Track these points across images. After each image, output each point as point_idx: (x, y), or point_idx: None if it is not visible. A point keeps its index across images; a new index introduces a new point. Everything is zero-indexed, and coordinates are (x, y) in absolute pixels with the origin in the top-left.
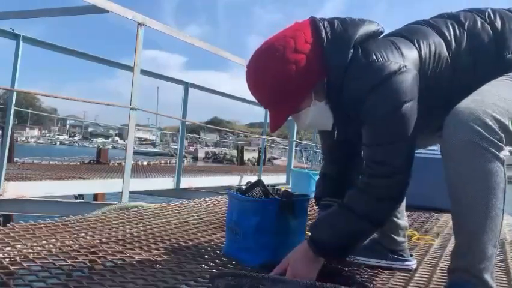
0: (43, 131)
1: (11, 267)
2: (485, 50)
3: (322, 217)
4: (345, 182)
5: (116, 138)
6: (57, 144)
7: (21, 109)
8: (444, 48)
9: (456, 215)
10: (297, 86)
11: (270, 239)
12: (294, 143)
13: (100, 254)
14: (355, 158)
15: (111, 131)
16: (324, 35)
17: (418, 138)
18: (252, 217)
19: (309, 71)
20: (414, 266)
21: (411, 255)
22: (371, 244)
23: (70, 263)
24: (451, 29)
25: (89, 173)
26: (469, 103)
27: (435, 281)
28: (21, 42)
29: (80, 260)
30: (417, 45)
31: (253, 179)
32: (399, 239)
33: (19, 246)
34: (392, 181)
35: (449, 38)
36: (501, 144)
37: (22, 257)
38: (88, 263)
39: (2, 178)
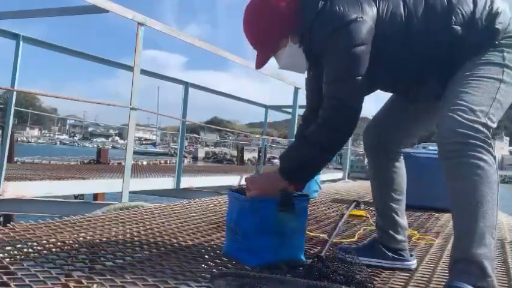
0: (43, 131)
1: (11, 267)
2: (438, 19)
3: (289, 147)
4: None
5: (116, 138)
6: (58, 144)
7: (21, 109)
8: (401, 8)
9: (455, 208)
10: (276, 30)
11: (270, 239)
12: None
13: (100, 254)
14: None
15: (111, 131)
16: None
17: (410, 133)
18: (252, 217)
19: (287, 17)
20: (414, 266)
21: (412, 255)
22: (372, 244)
23: (69, 263)
24: None
25: (89, 173)
26: (454, 109)
27: (435, 281)
28: (21, 42)
29: (80, 260)
30: (377, 3)
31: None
32: (399, 237)
33: (19, 246)
34: (341, 114)
35: (407, 0)
36: (489, 141)
37: (22, 256)
38: (88, 263)
39: (2, 178)
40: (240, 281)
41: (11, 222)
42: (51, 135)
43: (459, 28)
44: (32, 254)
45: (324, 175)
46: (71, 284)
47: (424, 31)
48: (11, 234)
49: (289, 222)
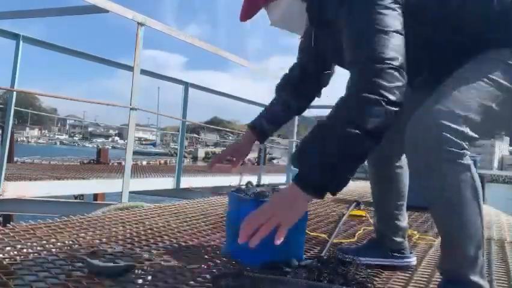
0: (43, 131)
1: (11, 267)
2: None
3: (303, 141)
4: (307, 84)
5: (116, 138)
6: (58, 144)
7: (21, 109)
8: None
9: (435, 221)
10: None
11: (270, 239)
12: (294, 143)
13: (100, 254)
14: (322, 75)
15: (111, 131)
16: None
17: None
18: None
19: None
20: (414, 263)
21: (411, 253)
22: (371, 244)
23: (69, 263)
24: None
25: (89, 173)
26: (431, 104)
27: (435, 281)
28: (21, 42)
29: (80, 260)
30: None
31: (253, 179)
32: (399, 239)
33: (19, 246)
34: (374, 72)
35: None
36: (465, 142)
37: (22, 257)
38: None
39: (2, 178)
40: (240, 281)
41: (11, 222)
42: (51, 135)
43: (494, 12)
44: (31, 254)
45: None
46: (71, 284)
47: (459, 8)
48: (11, 234)
49: None
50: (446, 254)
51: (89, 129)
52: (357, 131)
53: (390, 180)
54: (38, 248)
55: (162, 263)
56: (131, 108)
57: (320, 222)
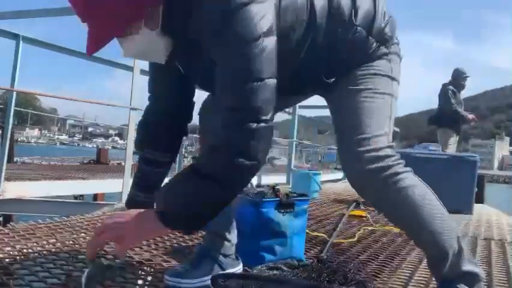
0: (43, 131)
1: (11, 267)
2: (342, 18)
3: (170, 183)
4: (172, 129)
5: (116, 138)
6: (57, 144)
7: (21, 109)
8: (304, 1)
9: (407, 235)
10: (119, 6)
11: (270, 239)
12: (294, 143)
13: (100, 254)
14: (190, 101)
15: (111, 131)
16: None
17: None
18: (252, 217)
19: None
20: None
21: (238, 257)
22: (202, 257)
23: (69, 263)
24: None
25: (89, 173)
26: (356, 142)
27: (435, 281)
28: (21, 42)
29: (80, 260)
30: None
31: (253, 179)
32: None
33: (19, 246)
34: (246, 130)
35: None
36: (399, 161)
37: (22, 257)
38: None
39: (2, 178)
40: (240, 282)
41: (11, 223)
42: (51, 135)
43: (362, 31)
44: (31, 254)
45: (324, 175)
46: (71, 284)
47: (328, 31)
48: (11, 234)
49: (290, 223)
50: (431, 261)
51: (89, 129)
52: (219, 188)
53: None
54: (38, 248)
55: (162, 263)
56: (131, 108)
57: (319, 222)
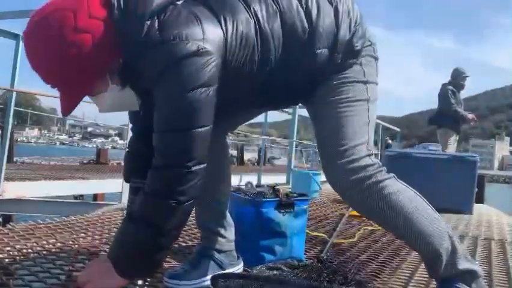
0: (43, 131)
1: (11, 267)
2: (299, 43)
3: (115, 234)
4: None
5: (116, 138)
6: (57, 144)
7: (21, 109)
8: (253, 30)
9: (400, 240)
10: (81, 71)
11: (270, 239)
12: (294, 143)
13: (100, 254)
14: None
15: (111, 131)
16: (115, 5)
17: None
18: (252, 217)
19: (95, 54)
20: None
21: (239, 257)
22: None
23: (69, 263)
24: (264, 7)
25: (89, 173)
26: (336, 154)
27: (435, 281)
28: (21, 42)
29: (80, 260)
30: (223, 24)
31: (253, 179)
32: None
33: (19, 246)
34: (173, 177)
35: (260, 17)
36: (380, 167)
37: (22, 257)
38: (88, 263)
39: (2, 178)
40: (240, 282)
41: (11, 223)
42: (51, 135)
43: (322, 51)
44: (31, 255)
45: (324, 175)
46: (71, 285)
47: (283, 62)
48: (11, 234)
49: (290, 223)
50: (427, 263)
51: (89, 129)
52: (153, 231)
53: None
54: (38, 248)
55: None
56: None
57: (319, 222)
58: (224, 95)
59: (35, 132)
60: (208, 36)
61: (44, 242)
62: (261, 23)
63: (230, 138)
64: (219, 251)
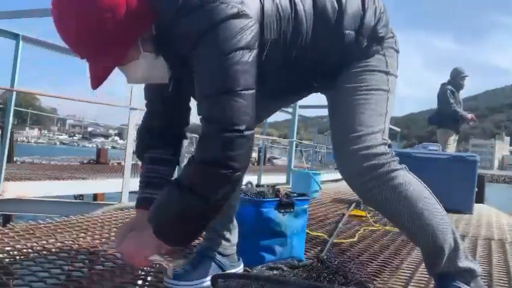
0: (43, 131)
1: (11, 267)
2: (329, 22)
3: (157, 201)
4: (171, 132)
5: (116, 138)
6: (57, 144)
7: (21, 109)
8: (288, 5)
9: (402, 233)
10: (115, 37)
11: (270, 239)
12: (294, 143)
13: (100, 254)
14: (185, 107)
15: (111, 131)
16: None
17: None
18: (252, 217)
19: (130, 19)
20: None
21: (239, 259)
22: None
23: (69, 263)
24: None
25: (89, 173)
26: (351, 139)
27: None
28: (20, 42)
29: (80, 260)
30: None
31: (253, 179)
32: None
33: (19, 246)
34: (225, 140)
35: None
36: (393, 158)
37: (22, 257)
38: (88, 263)
39: (2, 178)
40: (240, 282)
41: (11, 223)
42: (51, 135)
43: (350, 33)
44: (31, 254)
45: (324, 175)
46: (71, 285)
47: (314, 38)
48: (11, 234)
49: (290, 223)
50: (428, 258)
51: (89, 129)
52: (200, 200)
53: None
54: (38, 248)
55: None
56: (131, 108)
57: (320, 222)
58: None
59: (35, 132)
60: (247, 1)
61: (44, 242)
62: (297, 2)
63: None
64: (222, 254)
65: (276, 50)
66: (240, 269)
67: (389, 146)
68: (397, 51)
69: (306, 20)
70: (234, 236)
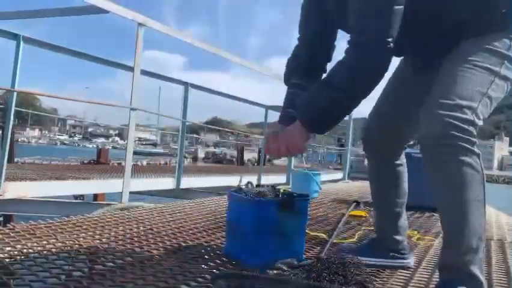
0: (43, 131)
1: (11, 267)
2: None
3: (307, 94)
4: (316, 66)
5: (116, 138)
6: (58, 144)
7: (22, 109)
8: None
9: (441, 211)
10: None
11: (270, 239)
12: None
13: (100, 254)
14: (331, 43)
15: (111, 131)
16: None
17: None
18: (252, 217)
19: None
20: (411, 264)
21: (410, 253)
22: (372, 244)
23: (69, 263)
24: None
25: (89, 173)
26: (441, 103)
27: (435, 281)
28: (21, 43)
29: (80, 260)
30: None
31: (253, 179)
32: (400, 238)
33: (19, 246)
34: (374, 50)
35: None
36: (473, 139)
37: (22, 257)
38: (88, 263)
39: (2, 178)
40: (240, 282)
41: (11, 223)
42: (52, 135)
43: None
44: (32, 254)
45: (324, 175)
46: (71, 284)
47: None
48: (11, 234)
49: (290, 223)
50: (450, 245)
51: (89, 129)
52: (344, 95)
53: (391, 177)
54: (38, 248)
55: (162, 263)
56: (131, 109)
57: (320, 222)
58: None
59: (36, 132)
60: None
61: (45, 242)
62: None
63: (230, 139)
64: (390, 250)
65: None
66: (407, 263)
67: (475, 126)
68: None
69: None
70: (401, 235)
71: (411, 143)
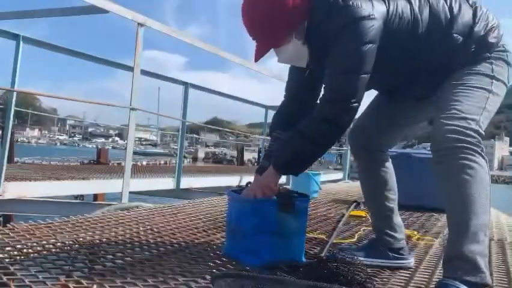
0: (43, 131)
1: (11, 267)
2: (440, 27)
3: (281, 141)
4: (297, 118)
5: (116, 138)
6: (58, 144)
7: (21, 109)
8: (408, 12)
9: (447, 207)
10: (281, 26)
11: (270, 239)
12: None
13: (100, 254)
14: (313, 100)
15: (111, 131)
16: None
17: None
18: (252, 217)
19: (297, 9)
20: (411, 264)
21: (410, 253)
22: (372, 244)
23: (70, 263)
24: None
25: (89, 174)
26: (447, 116)
27: (435, 281)
28: (21, 43)
29: (80, 261)
30: (387, 4)
31: (253, 179)
32: (398, 236)
33: (19, 246)
34: (342, 108)
35: (414, 5)
36: (481, 145)
37: (22, 257)
38: (88, 263)
39: (2, 178)
40: (240, 282)
41: (11, 223)
42: (51, 135)
43: (459, 37)
44: (31, 255)
45: (324, 175)
46: (71, 284)
47: (427, 37)
48: (11, 234)
49: (290, 223)
50: (456, 237)
51: (89, 129)
52: (311, 144)
53: (381, 176)
54: (38, 248)
55: (162, 263)
56: (131, 109)
57: (320, 222)
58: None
59: (36, 132)
60: (376, 7)
61: (45, 242)
62: (415, 8)
63: (230, 139)
64: (390, 249)
65: (396, 42)
66: (407, 262)
67: (480, 135)
68: (509, 64)
69: (421, 23)
70: (399, 233)
71: (411, 143)
